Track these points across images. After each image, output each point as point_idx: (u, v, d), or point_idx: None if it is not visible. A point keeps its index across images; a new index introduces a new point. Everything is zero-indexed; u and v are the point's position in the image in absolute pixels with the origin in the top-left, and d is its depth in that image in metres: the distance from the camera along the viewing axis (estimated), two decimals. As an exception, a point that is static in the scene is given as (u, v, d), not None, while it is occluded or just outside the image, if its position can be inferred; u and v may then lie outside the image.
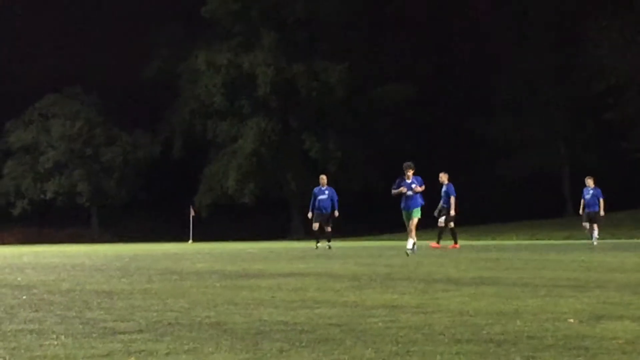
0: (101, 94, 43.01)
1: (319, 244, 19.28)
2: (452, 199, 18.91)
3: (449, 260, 12.90)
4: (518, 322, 4.34)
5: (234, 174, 38.74)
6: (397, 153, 36.26)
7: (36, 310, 5.63)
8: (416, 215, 14.49)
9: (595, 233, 20.33)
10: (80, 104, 42.54)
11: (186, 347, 3.76)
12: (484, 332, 4.02)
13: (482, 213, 35.18)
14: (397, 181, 14.63)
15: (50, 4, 44.54)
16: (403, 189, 14.29)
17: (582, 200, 21.08)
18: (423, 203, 14.64)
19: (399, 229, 35.43)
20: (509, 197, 39.37)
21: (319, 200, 19.70)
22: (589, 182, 21.16)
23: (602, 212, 20.72)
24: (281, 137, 39.80)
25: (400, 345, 3.67)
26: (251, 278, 9.06)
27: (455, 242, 19.12)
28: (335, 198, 19.57)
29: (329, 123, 39.85)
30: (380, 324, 4.51)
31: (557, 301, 5.50)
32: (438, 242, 19.16)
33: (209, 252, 19.58)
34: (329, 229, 19.89)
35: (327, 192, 19.82)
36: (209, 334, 4.27)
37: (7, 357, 3.60)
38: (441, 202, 19.26)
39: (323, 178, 20.13)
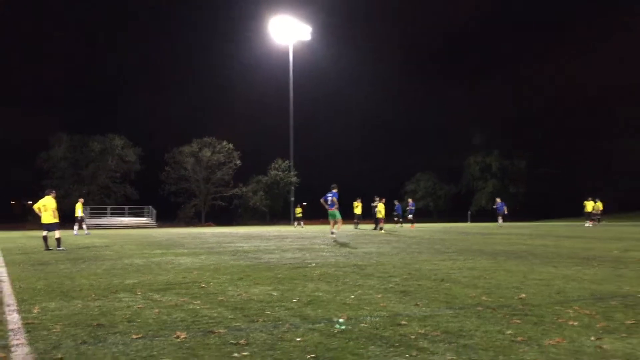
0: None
1: None
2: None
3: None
4: None
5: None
6: None
7: (418, 244, 16.86)
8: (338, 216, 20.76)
9: (500, 221, 38.26)
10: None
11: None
12: None
13: None
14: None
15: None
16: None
17: (497, 210, 38.68)
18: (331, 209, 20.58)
19: None
20: None
21: None
22: (498, 200, 40.33)
23: (500, 219, 37.95)
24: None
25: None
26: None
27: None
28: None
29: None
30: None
31: None
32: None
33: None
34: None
35: None
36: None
37: (399, 263, 10.97)
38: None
39: None
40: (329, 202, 20.25)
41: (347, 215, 37.69)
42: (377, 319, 5.48)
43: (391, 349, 4.35)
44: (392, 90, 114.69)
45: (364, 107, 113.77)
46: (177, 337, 4.84)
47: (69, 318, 5.83)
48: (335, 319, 5.52)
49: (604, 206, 41.52)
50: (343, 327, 5.18)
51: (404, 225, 39.77)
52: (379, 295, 6.94)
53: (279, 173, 72.40)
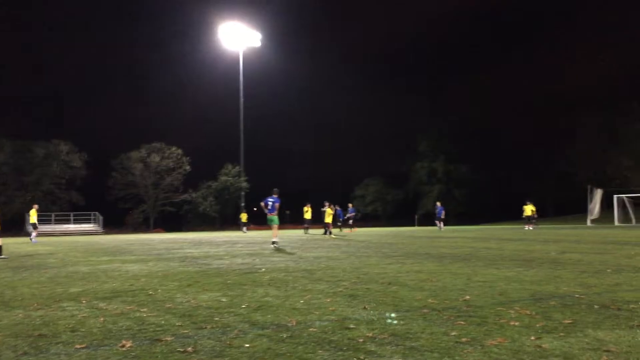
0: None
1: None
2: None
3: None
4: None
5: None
6: None
7: (367, 248, 17.51)
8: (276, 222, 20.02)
9: (441, 225, 39.69)
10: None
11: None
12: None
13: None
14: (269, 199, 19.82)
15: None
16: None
17: (437, 214, 40.07)
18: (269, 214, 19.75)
19: None
20: None
21: None
22: (438, 203, 41.98)
23: (441, 224, 39.80)
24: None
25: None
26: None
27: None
28: None
29: None
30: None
31: None
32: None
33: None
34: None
35: None
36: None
37: (348, 267, 11.94)
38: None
39: None
40: (269, 207, 19.84)
41: (297, 220, 37.72)
42: (326, 323, 5.46)
43: (339, 353, 4.35)
44: (342, 96, 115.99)
45: (314, 112, 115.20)
46: (123, 346, 4.70)
47: (10, 328, 5.59)
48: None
49: (538, 210, 43.24)
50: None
51: (345, 230, 40.82)
52: (328, 300, 6.94)
53: (229, 179, 72.15)
